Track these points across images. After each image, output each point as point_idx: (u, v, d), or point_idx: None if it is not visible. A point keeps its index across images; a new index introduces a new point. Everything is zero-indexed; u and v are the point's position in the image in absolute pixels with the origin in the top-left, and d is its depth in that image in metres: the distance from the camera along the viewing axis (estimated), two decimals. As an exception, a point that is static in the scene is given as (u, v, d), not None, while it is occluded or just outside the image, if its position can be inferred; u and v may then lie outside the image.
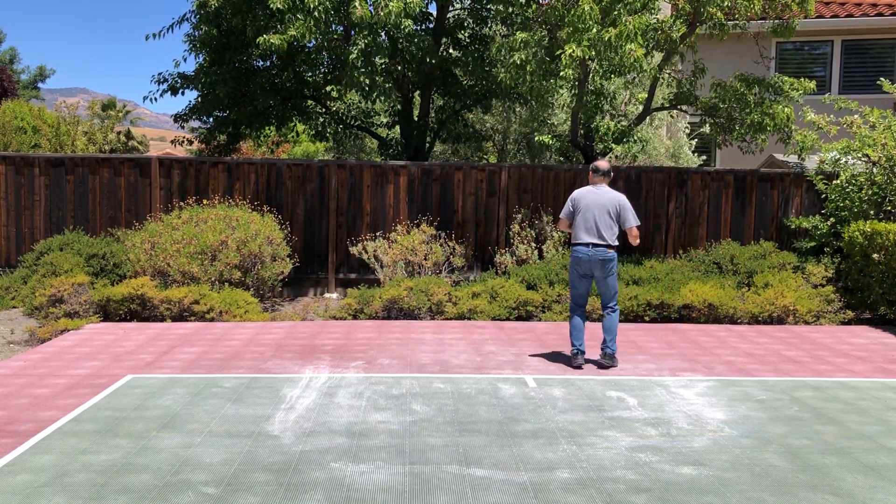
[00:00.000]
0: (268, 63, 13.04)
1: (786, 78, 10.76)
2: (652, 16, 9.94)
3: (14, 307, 9.57)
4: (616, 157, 14.44)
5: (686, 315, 9.16)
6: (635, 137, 11.10)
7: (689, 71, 11.23)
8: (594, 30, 9.00)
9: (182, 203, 10.67)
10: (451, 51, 13.92)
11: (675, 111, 14.20)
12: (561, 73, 9.38)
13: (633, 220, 6.67)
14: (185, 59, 14.16)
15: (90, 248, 9.74)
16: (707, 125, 11.69)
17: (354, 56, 10.01)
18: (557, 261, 10.03)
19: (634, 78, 11.09)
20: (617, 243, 6.68)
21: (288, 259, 9.92)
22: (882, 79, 11.06)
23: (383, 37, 10.51)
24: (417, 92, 13.96)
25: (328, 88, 12.69)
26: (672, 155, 15.43)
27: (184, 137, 14.66)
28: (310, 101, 14.15)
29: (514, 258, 10.49)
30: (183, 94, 13.22)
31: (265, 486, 4.10)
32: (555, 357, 7.20)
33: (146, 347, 7.38)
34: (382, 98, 10.93)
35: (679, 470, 4.40)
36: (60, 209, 10.68)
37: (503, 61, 12.11)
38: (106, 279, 9.53)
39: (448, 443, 4.79)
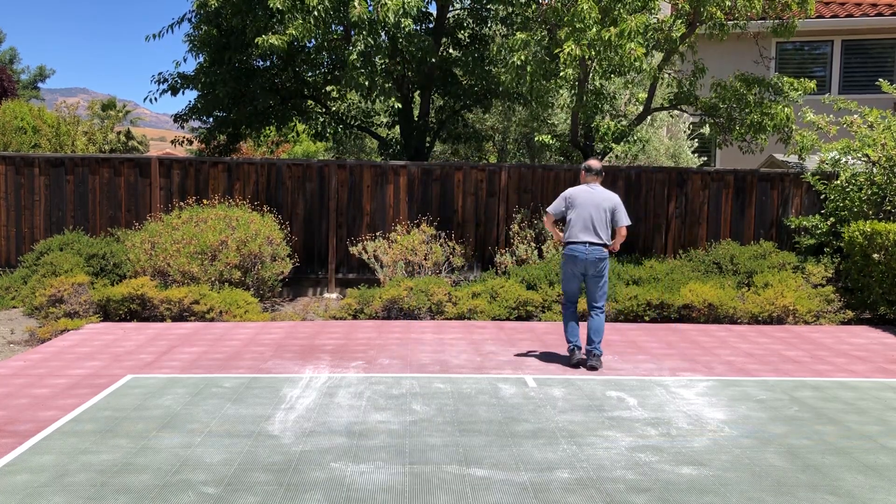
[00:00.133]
0: (268, 63, 13.05)
1: (786, 78, 10.76)
2: (652, 16, 9.94)
3: (14, 307, 9.57)
4: (616, 157, 14.45)
5: (686, 315, 9.16)
6: (635, 137, 11.10)
7: (689, 71, 11.23)
8: (593, 29, 9.00)
9: (182, 203, 10.68)
10: (451, 51, 13.92)
11: (675, 111, 14.21)
12: (561, 74, 9.38)
13: (625, 220, 6.73)
14: (185, 60, 14.18)
15: (90, 248, 9.74)
16: (707, 126, 11.68)
17: (354, 56, 10.01)
18: (557, 261, 10.03)
19: (634, 78, 11.08)
20: (611, 242, 6.72)
21: (288, 259, 9.92)
22: (881, 79, 11.06)
23: (383, 37, 10.51)
24: (417, 92, 13.96)
25: (328, 88, 12.69)
26: (672, 155, 15.43)
27: (184, 137, 14.66)
28: (310, 101, 14.15)
29: (514, 258, 10.49)
30: (183, 94, 13.24)
31: (265, 486, 4.10)
32: (555, 357, 7.20)
33: (146, 347, 7.38)
34: (382, 98, 10.93)
35: (679, 470, 4.40)
36: (60, 209, 10.68)
37: (503, 61, 12.13)
38: (106, 279, 9.53)
39: (448, 443, 4.79)
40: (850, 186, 10.24)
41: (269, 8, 10.20)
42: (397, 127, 15.06)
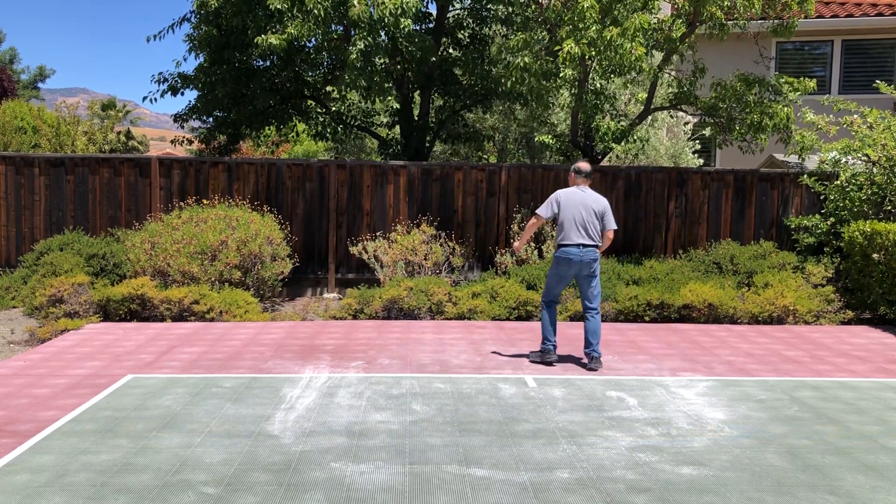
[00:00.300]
0: (268, 63, 13.05)
1: (785, 78, 10.76)
2: (652, 15, 9.94)
3: (14, 307, 9.57)
4: (616, 157, 14.45)
5: (686, 315, 9.16)
6: (635, 137, 11.11)
7: (689, 71, 11.23)
8: (593, 28, 9.00)
9: (182, 203, 10.68)
10: (450, 51, 13.92)
11: (676, 112, 14.21)
12: (561, 74, 9.38)
13: (613, 224, 6.81)
14: (185, 60, 14.20)
15: (90, 248, 9.74)
16: (708, 127, 11.69)
17: (354, 56, 10.01)
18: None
19: (634, 78, 11.08)
20: (601, 244, 6.78)
21: (288, 259, 9.92)
22: (879, 81, 11.06)
23: (383, 36, 10.51)
24: (417, 92, 13.96)
25: (328, 88, 12.70)
26: (672, 156, 15.43)
27: (184, 137, 14.66)
28: (310, 101, 14.15)
29: (514, 258, 10.49)
30: (183, 94, 13.23)
31: (265, 485, 4.10)
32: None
33: (146, 347, 7.38)
34: (382, 98, 10.93)
35: (679, 470, 4.40)
36: (60, 209, 10.68)
37: (503, 62, 12.12)
38: (106, 279, 9.53)
39: (448, 443, 4.79)
40: (850, 186, 10.24)
41: (269, 8, 10.21)
42: (397, 127, 15.06)
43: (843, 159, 10.54)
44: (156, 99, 13.24)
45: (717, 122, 11.21)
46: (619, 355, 7.34)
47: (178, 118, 13.75)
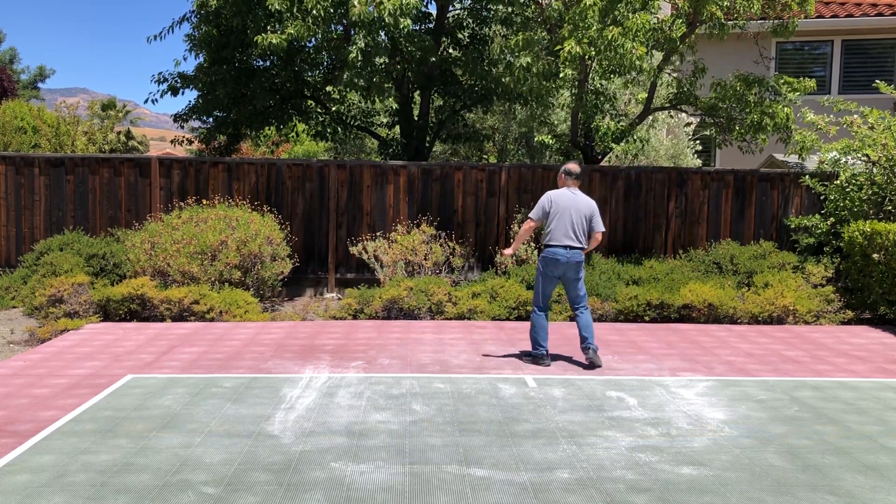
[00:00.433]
0: (267, 63, 13.05)
1: (785, 78, 10.76)
2: (652, 15, 9.94)
3: (14, 307, 9.57)
4: (616, 157, 14.45)
5: (686, 315, 9.16)
6: (635, 137, 11.11)
7: (689, 71, 11.23)
8: (594, 27, 8.99)
9: (182, 203, 10.67)
10: (450, 51, 13.92)
11: (678, 114, 14.21)
12: (561, 73, 9.37)
13: (601, 227, 6.86)
14: (185, 60, 14.17)
15: (90, 248, 9.74)
16: (709, 127, 11.69)
17: (354, 56, 10.01)
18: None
19: (634, 78, 11.08)
20: (587, 246, 6.83)
21: (288, 259, 9.92)
22: (878, 81, 11.05)
23: (383, 36, 10.51)
24: (417, 92, 13.95)
25: (328, 88, 12.69)
26: (672, 156, 15.43)
27: (184, 137, 14.66)
28: (310, 101, 14.15)
29: (514, 258, 10.49)
30: (183, 94, 13.23)
31: (265, 485, 4.10)
32: (555, 357, 7.20)
33: (146, 347, 7.38)
34: (382, 98, 10.92)
35: (679, 470, 4.40)
36: (60, 209, 10.68)
37: (504, 62, 12.11)
38: (106, 279, 9.53)
39: (448, 443, 4.79)
40: (850, 186, 10.25)
41: (268, 8, 10.21)
42: (397, 127, 15.05)
43: (843, 159, 10.54)
44: (156, 100, 13.24)
45: (717, 122, 11.21)
46: (619, 355, 7.34)
47: (178, 118, 13.74)
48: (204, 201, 10.66)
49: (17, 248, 10.66)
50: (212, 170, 10.83)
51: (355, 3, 9.80)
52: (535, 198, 10.98)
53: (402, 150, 13.69)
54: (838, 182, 10.37)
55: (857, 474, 4.38)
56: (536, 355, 6.89)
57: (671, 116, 15.19)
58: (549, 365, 6.87)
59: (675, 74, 11.72)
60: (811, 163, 11.69)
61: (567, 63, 9.09)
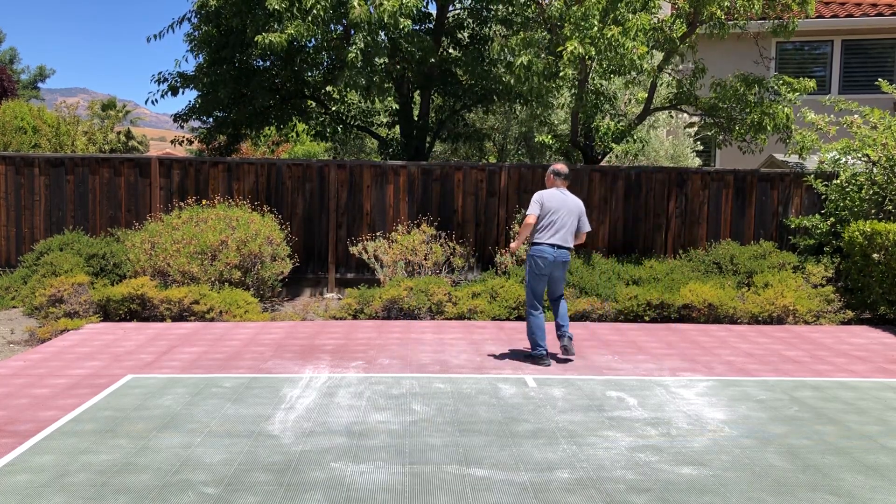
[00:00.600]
0: (267, 63, 13.05)
1: (784, 78, 10.75)
2: (652, 15, 9.94)
3: (14, 307, 9.57)
4: (616, 157, 14.45)
5: (686, 315, 9.16)
6: (635, 137, 11.11)
7: (689, 71, 11.23)
8: (595, 27, 8.99)
9: (182, 203, 10.67)
10: (450, 51, 13.92)
11: (679, 114, 14.20)
12: (561, 73, 9.37)
13: (588, 226, 7.00)
14: (185, 60, 14.16)
15: (90, 248, 9.74)
16: (709, 128, 11.69)
17: (353, 56, 10.02)
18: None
19: (635, 78, 11.09)
20: (571, 246, 6.93)
21: (288, 259, 9.92)
22: (881, 79, 11.06)
23: (382, 36, 10.51)
24: (417, 92, 13.95)
25: (328, 88, 12.69)
26: (672, 157, 15.43)
27: (184, 137, 14.66)
28: (310, 101, 14.15)
29: (515, 258, 10.49)
30: (183, 93, 13.24)
31: (265, 485, 4.10)
32: (555, 357, 7.19)
33: (146, 347, 7.38)
34: (382, 98, 10.92)
35: (679, 470, 4.40)
36: (60, 209, 10.68)
37: (504, 61, 12.10)
38: (106, 279, 9.53)
39: (448, 443, 4.79)
40: (850, 186, 10.25)
41: (268, 8, 10.21)
42: (397, 127, 15.05)
43: (843, 159, 10.55)
44: (156, 100, 13.24)
45: (717, 122, 11.21)
46: (619, 355, 7.34)
47: (178, 118, 13.74)
48: (204, 201, 10.66)
49: (17, 248, 10.66)
50: (212, 170, 10.82)
51: (355, 4, 9.80)
52: (535, 198, 10.97)
53: (402, 150, 13.69)
54: (838, 182, 10.37)
55: (857, 474, 4.38)
56: (537, 356, 6.90)
57: (671, 116, 15.19)
58: (549, 365, 6.87)
59: (675, 74, 11.71)
60: (811, 163, 11.69)
61: (568, 63, 9.09)
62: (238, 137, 14.05)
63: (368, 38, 10.05)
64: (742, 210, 11.14)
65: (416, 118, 13.71)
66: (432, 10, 13.46)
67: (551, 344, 7.36)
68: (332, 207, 10.82)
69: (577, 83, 10.38)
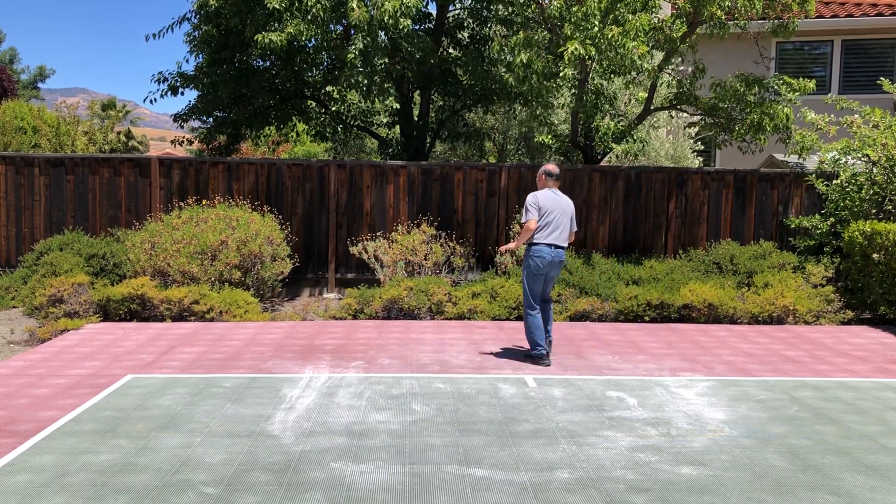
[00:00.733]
0: (267, 63, 13.05)
1: (784, 78, 10.76)
2: (652, 15, 9.94)
3: (14, 307, 9.57)
4: (616, 157, 14.45)
5: (686, 315, 9.16)
6: (635, 137, 11.10)
7: (690, 71, 11.23)
8: (596, 28, 8.99)
9: (182, 203, 10.67)
10: (450, 51, 13.92)
11: (679, 115, 14.20)
12: (561, 73, 9.37)
13: (576, 226, 7.10)
14: (186, 61, 14.14)
15: (90, 248, 9.74)
16: (709, 128, 11.69)
17: (353, 56, 10.02)
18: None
19: (635, 78, 11.08)
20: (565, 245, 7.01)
21: (288, 259, 9.92)
22: (882, 79, 11.05)
23: (382, 37, 10.51)
24: (417, 92, 13.95)
25: (328, 88, 12.68)
26: (672, 156, 15.43)
27: (184, 137, 14.66)
28: (310, 101, 14.15)
29: (514, 258, 10.48)
30: (183, 93, 13.22)
31: (265, 485, 4.10)
32: (554, 356, 7.19)
33: (146, 347, 7.38)
34: (382, 98, 10.92)
35: (679, 470, 4.40)
36: (60, 209, 10.68)
37: (504, 61, 12.09)
38: (106, 279, 9.53)
39: (448, 443, 4.79)
40: (850, 186, 10.25)
41: (268, 7, 10.21)
42: (397, 127, 15.05)
43: (843, 159, 10.55)
44: (156, 99, 13.22)
45: (717, 122, 11.21)
46: (619, 355, 7.34)
47: (178, 118, 13.74)
48: (204, 201, 10.66)
49: (17, 248, 10.66)
50: (212, 170, 10.82)
51: (353, 6, 9.81)
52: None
53: (402, 149, 13.69)
54: (838, 182, 10.37)
55: (857, 474, 4.38)
56: (536, 355, 6.91)
57: (671, 116, 15.19)
58: (549, 364, 6.88)
59: (675, 74, 11.71)
60: (811, 163, 11.69)
61: (568, 63, 9.09)
62: (238, 137, 14.05)
63: (368, 38, 10.05)
64: (742, 210, 11.14)
65: (416, 118, 13.71)
66: (432, 10, 13.47)
67: (555, 344, 7.36)
68: (332, 207, 10.82)
69: (577, 83, 10.38)
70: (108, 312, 8.76)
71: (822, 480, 4.28)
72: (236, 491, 4.02)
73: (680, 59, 11.33)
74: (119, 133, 25.54)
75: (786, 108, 10.35)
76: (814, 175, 10.81)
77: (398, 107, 11.96)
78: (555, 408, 5.58)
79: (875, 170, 10.09)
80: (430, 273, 10.05)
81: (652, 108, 11.61)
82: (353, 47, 10.03)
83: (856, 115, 10.69)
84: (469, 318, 9.16)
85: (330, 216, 10.82)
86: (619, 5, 9.23)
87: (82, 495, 3.95)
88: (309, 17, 9.95)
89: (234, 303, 8.85)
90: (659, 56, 12.27)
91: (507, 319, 9.14)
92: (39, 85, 41.83)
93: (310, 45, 11.74)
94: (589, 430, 5.09)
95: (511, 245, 7.04)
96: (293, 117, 14.01)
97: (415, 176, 10.93)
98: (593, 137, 11.39)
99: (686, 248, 11.08)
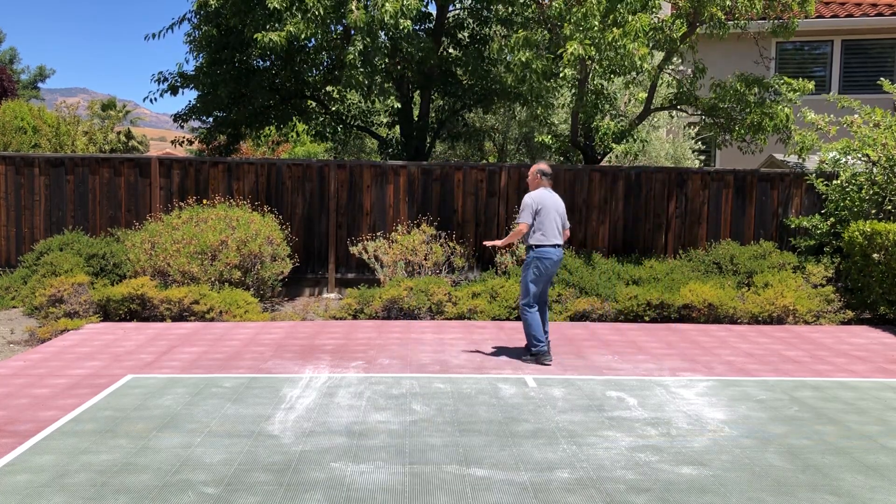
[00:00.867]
0: (267, 63, 13.05)
1: (785, 79, 10.76)
2: (652, 15, 9.94)
3: (14, 307, 9.57)
4: (616, 157, 14.45)
5: (686, 315, 9.16)
6: (635, 137, 11.10)
7: (690, 71, 11.23)
8: (596, 28, 8.99)
9: (182, 203, 10.68)
10: (450, 51, 13.92)
11: (677, 113, 14.19)
12: (561, 73, 9.37)
13: (568, 223, 7.16)
14: (186, 61, 14.14)
15: (90, 248, 9.74)
16: (709, 128, 11.69)
17: (353, 56, 10.02)
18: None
19: (635, 78, 11.08)
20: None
21: (288, 259, 9.92)
22: (882, 79, 11.05)
23: (382, 37, 10.52)
24: (417, 92, 13.95)
25: (328, 88, 12.69)
26: (672, 157, 15.42)
27: (184, 137, 14.66)
28: (310, 101, 14.15)
29: (515, 258, 10.49)
30: (183, 93, 13.27)
31: (265, 485, 4.10)
32: (554, 356, 7.19)
33: (146, 347, 7.38)
34: (382, 98, 10.92)
35: (679, 470, 4.40)
36: (60, 209, 10.68)
37: (504, 61, 12.08)
38: (106, 279, 9.53)
39: (448, 443, 4.79)
40: (850, 186, 10.25)
41: (268, 7, 10.22)
42: (397, 127, 15.05)
43: (843, 159, 10.55)
44: (156, 99, 13.24)
45: (717, 122, 11.21)
46: (619, 355, 7.34)
47: (178, 118, 13.74)
48: (204, 201, 10.66)
49: (17, 248, 10.66)
50: (212, 170, 10.82)
51: (352, 7, 9.82)
52: (535, 198, 10.96)
53: (402, 149, 13.69)
54: (838, 182, 10.37)
55: (857, 474, 4.38)
56: (539, 352, 6.91)
57: (671, 116, 15.19)
58: (550, 362, 6.88)
59: (675, 75, 11.71)
60: (811, 163, 11.69)
61: (568, 63, 9.09)
62: (238, 137, 14.05)
63: (368, 39, 10.06)
64: (742, 210, 11.14)
65: (416, 118, 13.71)
66: (432, 9, 13.47)
67: (555, 345, 7.36)
68: (332, 207, 10.82)
69: (577, 83, 10.38)
70: (108, 312, 8.76)
71: (822, 480, 4.28)
72: (236, 491, 4.02)
73: (680, 59, 11.33)
74: (119, 133, 25.55)
75: (786, 109, 10.35)
76: (814, 175, 10.81)
77: (399, 107, 11.97)
78: (555, 408, 5.58)
79: (875, 170, 10.09)
80: (430, 273, 10.05)
81: (652, 108, 11.61)
82: (354, 48, 10.03)
83: (856, 115, 10.69)
84: (469, 318, 9.16)
85: (330, 216, 10.82)
86: (619, 6, 9.23)
87: (82, 495, 3.95)
88: (309, 15, 9.95)
89: (234, 303, 8.85)
90: (659, 56, 12.27)
91: (507, 319, 9.14)
92: (39, 85, 41.85)
93: (310, 45, 11.74)
94: (589, 430, 5.09)
95: (497, 242, 7.08)
96: (293, 117, 14.01)
97: (415, 176, 10.93)
98: (593, 137, 11.39)
99: (686, 248, 11.08)
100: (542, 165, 7.02)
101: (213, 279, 9.13)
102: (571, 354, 7.33)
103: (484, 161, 18.24)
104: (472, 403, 5.66)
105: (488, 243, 7.23)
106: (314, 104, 14.33)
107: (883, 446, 4.87)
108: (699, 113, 11.50)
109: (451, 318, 9.16)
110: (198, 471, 4.28)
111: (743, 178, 11.15)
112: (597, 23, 9.00)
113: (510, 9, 12.04)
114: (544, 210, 6.81)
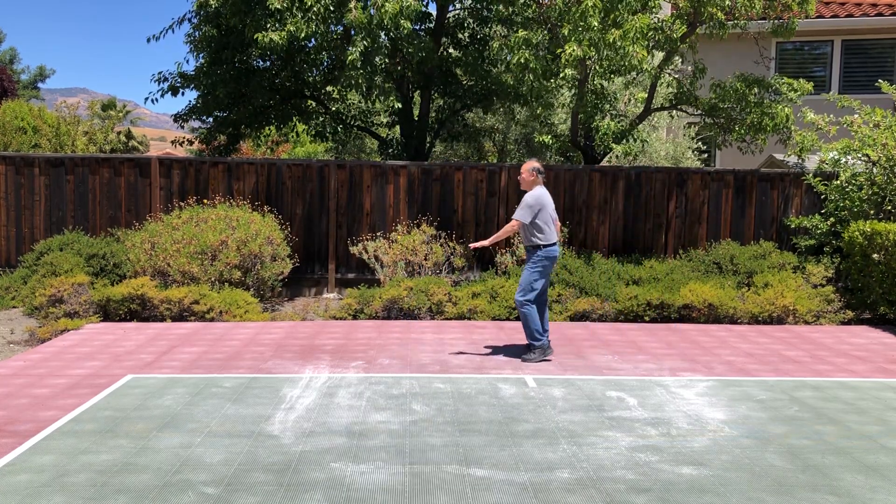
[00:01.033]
0: (267, 63, 13.05)
1: (784, 79, 10.75)
2: (652, 15, 9.94)
3: (14, 307, 9.57)
4: (616, 157, 14.45)
5: (686, 315, 9.16)
6: (635, 137, 11.10)
7: (690, 71, 11.23)
8: (595, 28, 8.99)
9: (182, 203, 10.68)
10: (451, 51, 13.92)
11: (677, 113, 14.19)
12: (561, 74, 9.37)
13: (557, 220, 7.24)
14: (186, 61, 14.14)
15: (90, 248, 9.74)
16: (709, 128, 11.70)
17: (353, 57, 10.02)
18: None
19: (635, 78, 11.09)
20: None
21: (288, 259, 9.92)
22: (881, 80, 11.05)
23: (383, 37, 10.52)
24: (417, 92, 13.95)
25: (328, 88, 12.69)
26: (672, 157, 15.42)
27: (184, 137, 14.66)
28: (310, 101, 14.16)
29: (515, 258, 10.49)
30: (183, 94, 13.22)
31: (265, 486, 4.10)
32: (555, 356, 7.19)
33: (146, 347, 7.38)
34: (382, 98, 10.92)
35: (679, 470, 4.40)
36: (60, 209, 10.68)
37: (504, 61, 12.08)
38: (106, 279, 9.53)
39: (448, 443, 4.79)
40: (850, 186, 10.25)
41: (268, 7, 10.22)
42: (397, 127, 15.06)
43: (843, 159, 10.55)
44: (156, 99, 13.24)
45: (717, 122, 11.21)
46: (619, 355, 7.34)
47: (179, 118, 13.75)
48: (204, 201, 10.67)
49: (17, 248, 10.66)
50: (212, 170, 10.82)
51: (351, 7, 9.82)
52: (535, 198, 10.96)
53: (402, 149, 13.69)
54: (838, 182, 10.37)
55: (857, 474, 4.38)
56: (540, 346, 6.93)
57: (671, 116, 15.19)
58: (551, 356, 6.93)
59: (675, 75, 11.71)
60: (811, 163, 11.69)
61: (568, 63, 9.10)
62: (238, 137, 14.05)
63: (368, 39, 10.06)
64: (742, 210, 11.14)
65: (416, 118, 13.71)
66: (432, 10, 13.47)
67: (555, 344, 7.37)
68: (332, 207, 10.82)
69: (577, 83, 10.38)
70: (108, 312, 8.76)
71: (823, 480, 4.28)
72: (236, 491, 4.02)
73: (680, 59, 11.33)
74: (119, 133, 25.56)
75: (786, 109, 10.35)
76: (814, 175, 10.81)
77: (399, 107, 11.97)
78: (555, 408, 5.58)
79: (875, 170, 10.09)
80: (430, 273, 10.05)
81: (652, 108, 11.61)
82: (354, 48, 10.03)
83: (856, 115, 10.69)
84: (469, 318, 9.16)
85: (330, 216, 10.82)
86: (618, 6, 9.23)
87: (82, 495, 3.95)
88: (310, 15, 9.95)
89: (234, 303, 8.85)
90: (659, 56, 12.27)
91: (507, 319, 9.14)
92: (39, 85, 41.86)
93: (310, 45, 11.74)
94: (589, 430, 5.09)
95: (484, 242, 7.07)
96: (293, 117, 14.01)
97: (415, 176, 10.93)
98: (593, 137, 11.38)
99: (686, 248, 11.08)
100: (536, 163, 7.01)
101: (213, 279, 9.13)
102: (571, 354, 7.33)
103: (484, 161, 18.24)
104: (472, 403, 5.66)
105: (473, 245, 7.18)
106: (314, 104, 14.33)
107: (883, 446, 4.87)
108: (699, 113, 11.50)
109: (451, 318, 9.16)
110: (198, 471, 4.28)
111: (743, 178, 11.15)
112: (596, 23, 9.00)
113: (510, 9, 12.04)
114: (544, 210, 6.85)
